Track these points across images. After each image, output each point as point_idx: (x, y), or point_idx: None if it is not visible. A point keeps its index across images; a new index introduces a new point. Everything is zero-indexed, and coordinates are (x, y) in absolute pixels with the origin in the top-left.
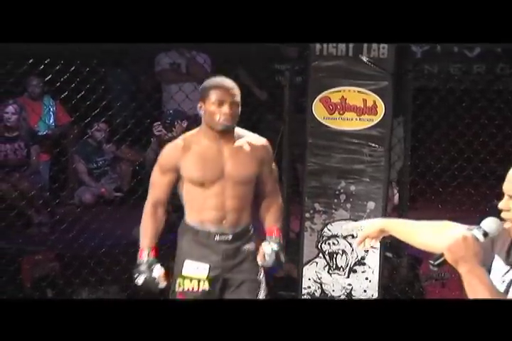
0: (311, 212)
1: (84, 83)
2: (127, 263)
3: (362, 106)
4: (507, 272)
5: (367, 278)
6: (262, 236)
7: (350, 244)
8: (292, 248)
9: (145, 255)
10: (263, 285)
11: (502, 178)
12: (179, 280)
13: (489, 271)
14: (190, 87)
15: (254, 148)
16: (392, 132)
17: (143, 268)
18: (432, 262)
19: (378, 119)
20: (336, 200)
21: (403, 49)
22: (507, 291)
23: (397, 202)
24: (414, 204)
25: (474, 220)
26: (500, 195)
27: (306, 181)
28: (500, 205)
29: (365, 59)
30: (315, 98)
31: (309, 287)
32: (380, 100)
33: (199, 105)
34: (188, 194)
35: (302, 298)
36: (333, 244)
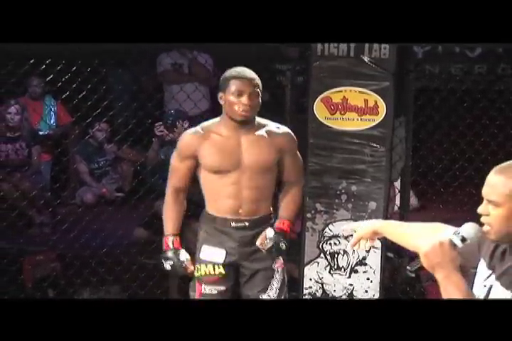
0: (313, 212)
1: (85, 83)
2: (128, 264)
3: (363, 106)
4: (488, 277)
5: (368, 279)
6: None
7: None
8: (293, 248)
9: (170, 242)
10: (277, 276)
11: None
12: (197, 265)
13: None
14: (191, 88)
15: (273, 136)
16: (393, 132)
17: (169, 254)
18: (408, 268)
19: (380, 119)
20: (337, 200)
21: (404, 49)
22: (487, 296)
23: (398, 203)
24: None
25: (475, 221)
26: None
27: (308, 181)
28: (479, 210)
29: (366, 59)
30: (316, 98)
31: (310, 287)
32: (382, 100)
33: (220, 95)
34: (206, 182)
35: (303, 298)
36: (335, 244)
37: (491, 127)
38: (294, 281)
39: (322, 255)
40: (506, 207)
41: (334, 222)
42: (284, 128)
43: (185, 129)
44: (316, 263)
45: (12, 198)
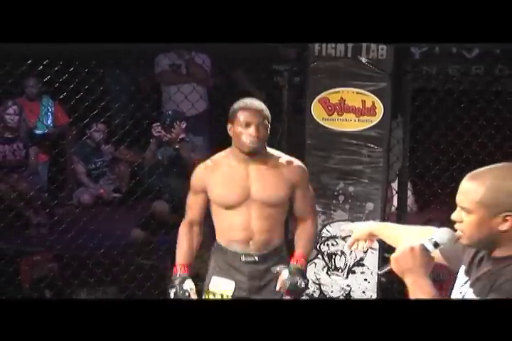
0: None
1: (82, 84)
2: (126, 264)
3: (361, 107)
4: (465, 283)
5: (366, 279)
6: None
7: None
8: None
9: (178, 270)
10: None
11: None
12: (205, 295)
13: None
14: (189, 88)
15: (285, 169)
16: (390, 133)
17: (176, 282)
18: (378, 272)
19: (377, 120)
20: (334, 201)
21: (402, 50)
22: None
23: (395, 204)
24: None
25: None
26: None
27: None
28: (453, 216)
29: (363, 60)
30: (314, 99)
31: (308, 288)
32: (379, 101)
33: (228, 127)
34: (216, 214)
35: (301, 298)
36: (332, 244)
37: (488, 128)
38: None
39: (320, 256)
40: (477, 213)
41: (332, 222)
42: (296, 162)
43: (183, 130)
44: (314, 264)
45: (9, 199)
